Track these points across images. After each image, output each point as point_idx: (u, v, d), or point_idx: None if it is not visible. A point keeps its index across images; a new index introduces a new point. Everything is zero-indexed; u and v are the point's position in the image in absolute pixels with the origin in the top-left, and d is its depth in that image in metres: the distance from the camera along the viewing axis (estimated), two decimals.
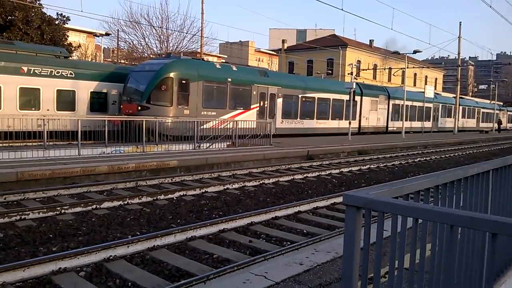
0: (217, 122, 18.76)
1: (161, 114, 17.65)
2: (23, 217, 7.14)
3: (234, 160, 14.53)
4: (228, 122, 18.91)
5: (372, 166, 15.61)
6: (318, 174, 13.14)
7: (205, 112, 20.01)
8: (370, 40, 61.66)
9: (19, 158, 11.21)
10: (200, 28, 34.25)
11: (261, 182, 11.30)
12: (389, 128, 33.20)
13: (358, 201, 2.04)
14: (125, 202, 8.45)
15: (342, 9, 33.76)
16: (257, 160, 15.12)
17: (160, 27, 37.66)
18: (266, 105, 23.10)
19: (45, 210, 7.50)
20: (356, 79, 36.24)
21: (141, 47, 37.27)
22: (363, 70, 48.02)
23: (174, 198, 9.21)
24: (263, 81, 23.04)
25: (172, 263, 5.37)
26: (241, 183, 10.95)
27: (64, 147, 12.58)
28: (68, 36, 32.87)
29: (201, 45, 35.34)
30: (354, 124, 28.14)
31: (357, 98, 29.12)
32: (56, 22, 31.19)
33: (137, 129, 14.62)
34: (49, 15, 30.71)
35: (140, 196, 8.81)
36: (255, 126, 19.11)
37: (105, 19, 48.09)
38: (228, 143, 17.44)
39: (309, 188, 11.05)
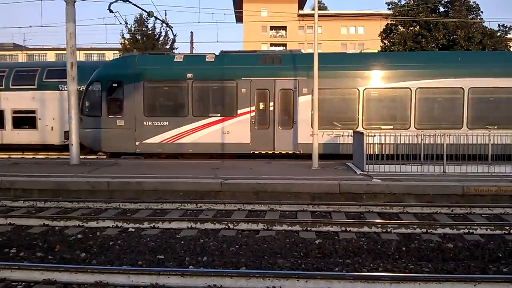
0: (172, 135, 14.74)
1: (92, 127, 15.68)
2: (470, 231, 7.25)
3: None
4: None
5: None
6: None
7: (150, 122, 15.46)
8: None
9: (464, 173, 11.51)
10: None
11: None
12: None
13: None
14: None
15: None
16: None
17: None
18: (272, 108, 15.32)
19: (492, 227, 7.33)
20: None
21: None
22: None
23: None
24: (266, 72, 15.33)
25: None
26: None
27: (510, 164, 11.93)
28: (511, 46, 31.30)
29: None
30: None
31: None
32: (498, 34, 30.30)
33: None
34: (491, 28, 30.21)
35: None
36: (249, 141, 14.83)
37: None
38: None
39: None
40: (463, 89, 14.88)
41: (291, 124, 15.44)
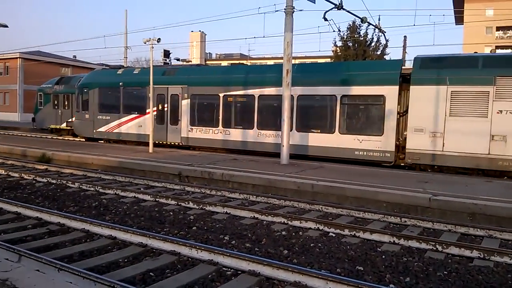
0: (111, 126, 21.01)
1: (76, 119, 23.25)
2: None
3: None
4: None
5: None
6: None
7: (101, 117, 21.46)
8: None
9: None
10: None
11: None
12: None
13: None
14: None
15: None
16: None
17: None
18: (166, 109, 19.58)
19: None
20: None
21: None
22: None
23: None
24: (162, 81, 19.26)
25: None
26: None
27: None
28: None
29: None
30: (378, 143, 14.73)
31: (388, 88, 14.61)
32: None
33: None
34: None
35: None
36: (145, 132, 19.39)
37: None
38: None
39: None
40: None
41: (177, 121, 19.33)
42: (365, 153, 15.11)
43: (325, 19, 16.32)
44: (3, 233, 6.88)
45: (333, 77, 16.13)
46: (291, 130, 15.36)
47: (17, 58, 50.32)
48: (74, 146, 18.99)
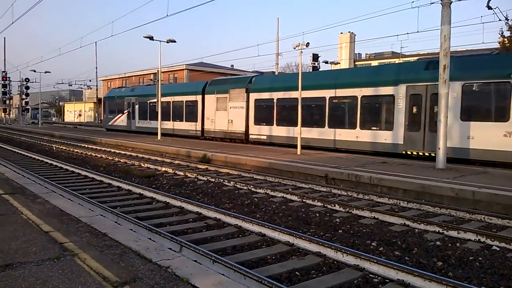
0: (113, 120, 37.71)
1: (104, 117, 42.45)
2: None
3: None
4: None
5: None
6: None
7: (110, 116, 38.24)
8: None
9: None
10: None
11: None
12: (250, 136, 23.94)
13: None
14: None
15: None
16: None
17: None
18: (130, 110, 35.09)
19: None
20: None
21: None
22: None
23: None
24: (130, 94, 35.65)
25: None
26: None
27: None
28: None
29: None
30: (195, 125, 28.41)
31: (197, 97, 28.23)
32: None
33: None
34: None
35: None
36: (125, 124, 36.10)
37: None
38: None
39: None
40: None
41: (134, 117, 34.58)
42: (192, 132, 28.18)
43: (489, 8, 14.70)
44: (169, 225, 7.77)
45: (183, 91, 29.94)
46: (162, 120, 28.90)
47: (183, 69, 56.37)
48: (231, 148, 20.45)
